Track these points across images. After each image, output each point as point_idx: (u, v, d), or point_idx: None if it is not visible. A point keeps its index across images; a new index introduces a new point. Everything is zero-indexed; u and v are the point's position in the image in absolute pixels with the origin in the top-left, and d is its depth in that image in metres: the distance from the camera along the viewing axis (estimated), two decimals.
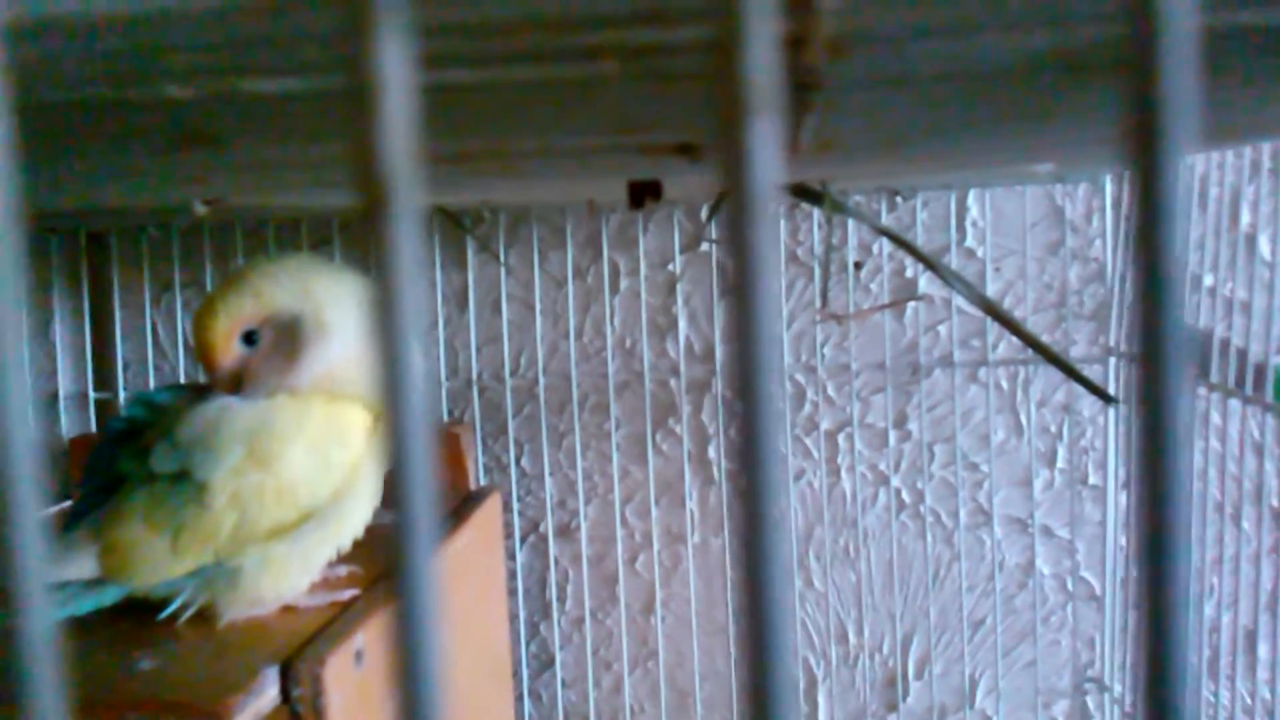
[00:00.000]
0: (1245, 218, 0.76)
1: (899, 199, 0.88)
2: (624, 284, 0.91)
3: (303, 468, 0.55)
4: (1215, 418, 0.76)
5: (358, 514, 0.57)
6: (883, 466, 0.91)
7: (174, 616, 0.55)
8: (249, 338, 0.56)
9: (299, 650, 0.51)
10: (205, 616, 0.55)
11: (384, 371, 0.12)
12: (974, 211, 0.88)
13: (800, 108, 0.25)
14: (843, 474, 0.91)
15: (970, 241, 0.88)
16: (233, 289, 0.56)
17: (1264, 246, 0.77)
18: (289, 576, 0.55)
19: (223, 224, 0.94)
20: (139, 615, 0.55)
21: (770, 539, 0.12)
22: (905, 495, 0.91)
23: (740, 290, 0.13)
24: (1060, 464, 0.89)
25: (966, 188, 0.87)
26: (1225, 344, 0.65)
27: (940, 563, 0.91)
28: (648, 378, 0.91)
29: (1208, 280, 0.73)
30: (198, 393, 0.57)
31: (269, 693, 0.49)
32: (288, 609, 0.57)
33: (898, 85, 0.23)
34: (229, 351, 0.56)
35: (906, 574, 0.91)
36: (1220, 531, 0.70)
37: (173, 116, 0.26)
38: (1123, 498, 0.86)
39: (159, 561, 0.53)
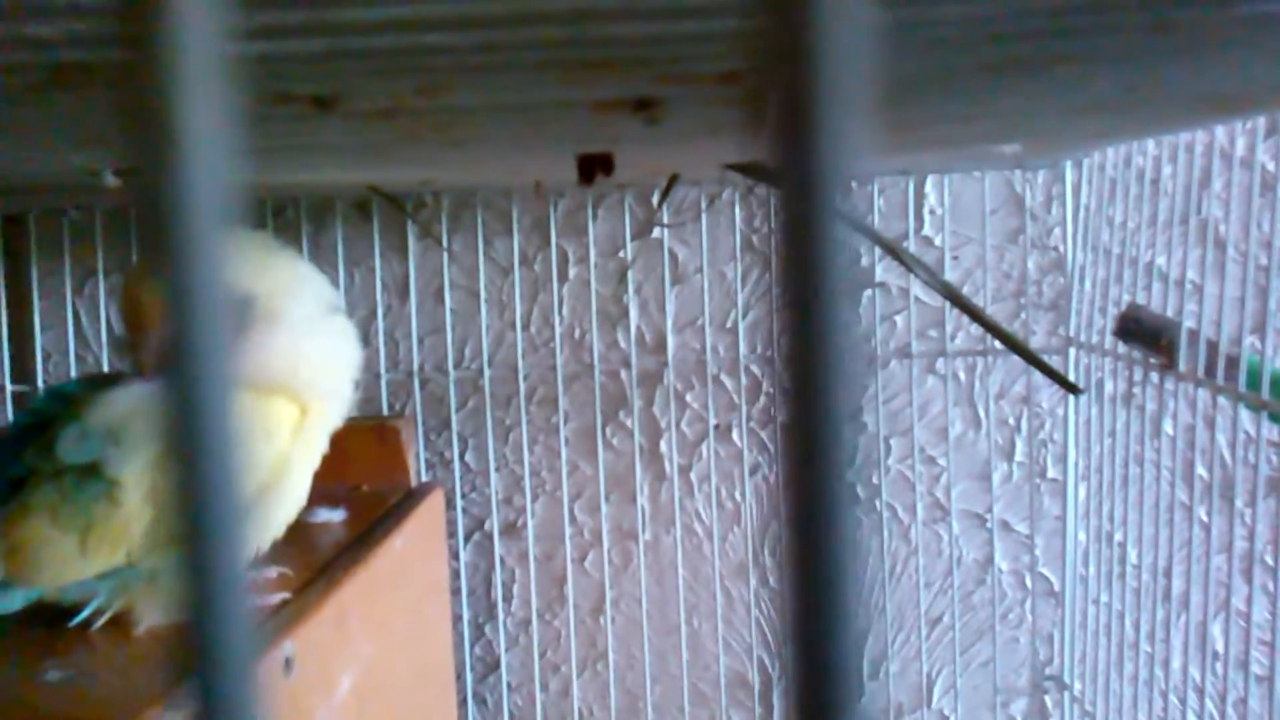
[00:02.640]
0: (1215, 209, 0.74)
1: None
2: (573, 272, 0.88)
3: None
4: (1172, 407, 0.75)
5: (281, 512, 0.54)
6: None
7: (87, 623, 0.51)
8: None
9: None
10: (121, 623, 0.51)
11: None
12: (931, 199, 0.86)
13: None
14: None
15: (928, 229, 0.86)
16: None
17: (1232, 237, 0.76)
18: None
19: None
20: (49, 622, 0.51)
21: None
22: (860, 489, 0.88)
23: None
24: (1019, 457, 0.87)
25: (924, 173, 0.85)
26: (1193, 334, 0.63)
27: (897, 558, 0.89)
28: (598, 369, 0.88)
29: (1170, 269, 0.71)
30: (113, 384, 0.53)
31: (189, 705, 0.45)
32: None
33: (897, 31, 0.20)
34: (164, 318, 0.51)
35: (861, 570, 0.89)
36: (1189, 533, 0.69)
37: (34, 45, 0.22)
38: (1082, 491, 0.84)
39: (66, 562, 0.49)
